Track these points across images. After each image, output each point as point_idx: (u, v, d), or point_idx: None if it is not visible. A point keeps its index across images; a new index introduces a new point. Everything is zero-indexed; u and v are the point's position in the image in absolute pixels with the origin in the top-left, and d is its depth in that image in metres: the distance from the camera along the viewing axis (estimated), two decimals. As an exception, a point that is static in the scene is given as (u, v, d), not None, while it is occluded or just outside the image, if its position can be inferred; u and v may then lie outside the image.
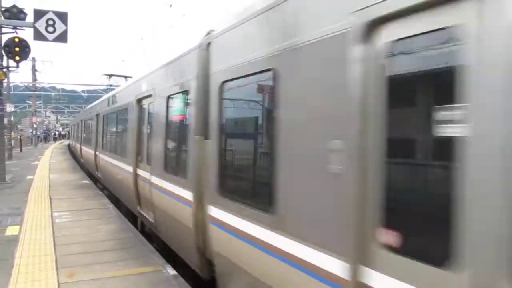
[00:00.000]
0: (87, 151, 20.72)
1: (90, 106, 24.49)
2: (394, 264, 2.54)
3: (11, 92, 35.68)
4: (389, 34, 2.66)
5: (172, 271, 6.38)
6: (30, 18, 12.78)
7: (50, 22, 8.79)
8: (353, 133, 2.81)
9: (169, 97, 7.04)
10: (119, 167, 11.55)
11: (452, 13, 2.25)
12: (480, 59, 2.07)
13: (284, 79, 3.68)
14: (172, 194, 6.65)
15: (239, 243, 4.36)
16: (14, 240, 8.01)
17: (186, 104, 6.31)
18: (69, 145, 49.33)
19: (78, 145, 27.76)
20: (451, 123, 2.30)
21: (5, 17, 13.41)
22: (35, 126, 52.51)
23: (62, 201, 12.30)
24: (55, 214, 10.42)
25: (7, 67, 18.01)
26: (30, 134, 54.87)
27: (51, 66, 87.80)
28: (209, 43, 5.50)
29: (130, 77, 24.31)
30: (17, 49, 13.19)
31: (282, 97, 3.72)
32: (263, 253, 3.92)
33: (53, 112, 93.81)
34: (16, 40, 13.27)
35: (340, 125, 2.94)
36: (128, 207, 11.07)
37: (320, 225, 3.19)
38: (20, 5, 13.28)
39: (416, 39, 2.50)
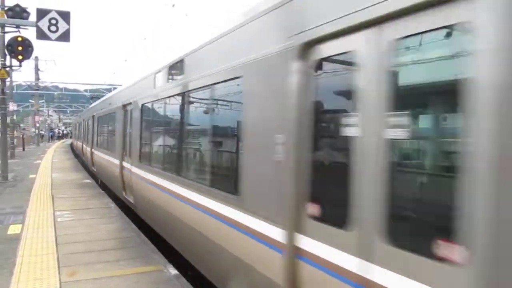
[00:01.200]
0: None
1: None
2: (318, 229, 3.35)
3: (13, 91, 35.75)
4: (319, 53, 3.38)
5: (173, 271, 6.37)
6: (33, 17, 12.82)
7: (53, 22, 8.77)
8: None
9: None
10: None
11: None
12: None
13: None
14: None
15: None
16: (16, 238, 8.01)
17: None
18: (71, 144, 49.89)
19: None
20: (352, 126, 3.01)
21: (8, 16, 13.44)
22: (37, 125, 52.63)
23: (64, 200, 12.31)
24: (57, 213, 10.42)
25: (10, 66, 18.04)
26: (35, 133, 55.12)
27: (54, 65, 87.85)
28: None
29: (118, 85, 19.68)
30: (20, 48, 13.23)
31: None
32: None
33: (55, 111, 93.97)
34: (19, 39, 13.32)
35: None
36: None
37: None
38: (22, 4, 13.31)
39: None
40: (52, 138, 79.19)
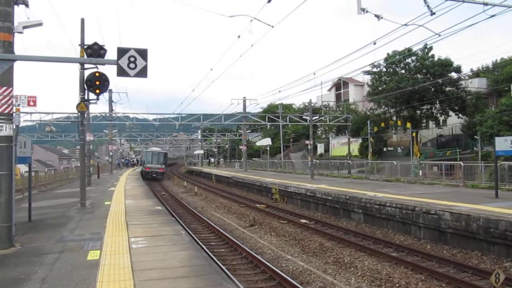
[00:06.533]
0: None
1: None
2: None
3: (90, 122, 38.05)
4: None
5: (246, 301, 6.38)
6: (109, 54, 13.75)
7: (132, 59, 9.26)
8: None
9: None
10: None
11: None
12: None
13: None
14: None
15: None
16: (96, 264, 8.38)
17: None
18: (141, 172, 54.14)
19: None
20: None
21: (87, 54, 14.50)
22: (111, 153, 55.54)
23: (137, 226, 12.76)
24: (132, 239, 10.81)
25: (88, 100, 19.28)
26: (116, 161, 62.96)
27: (126, 97, 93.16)
28: None
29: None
30: (97, 82, 14.22)
31: None
32: None
33: (126, 140, 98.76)
34: (97, 74, 14.32)
35: None
36: None
37: None
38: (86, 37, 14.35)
39: None
40: (127, 165, 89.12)
